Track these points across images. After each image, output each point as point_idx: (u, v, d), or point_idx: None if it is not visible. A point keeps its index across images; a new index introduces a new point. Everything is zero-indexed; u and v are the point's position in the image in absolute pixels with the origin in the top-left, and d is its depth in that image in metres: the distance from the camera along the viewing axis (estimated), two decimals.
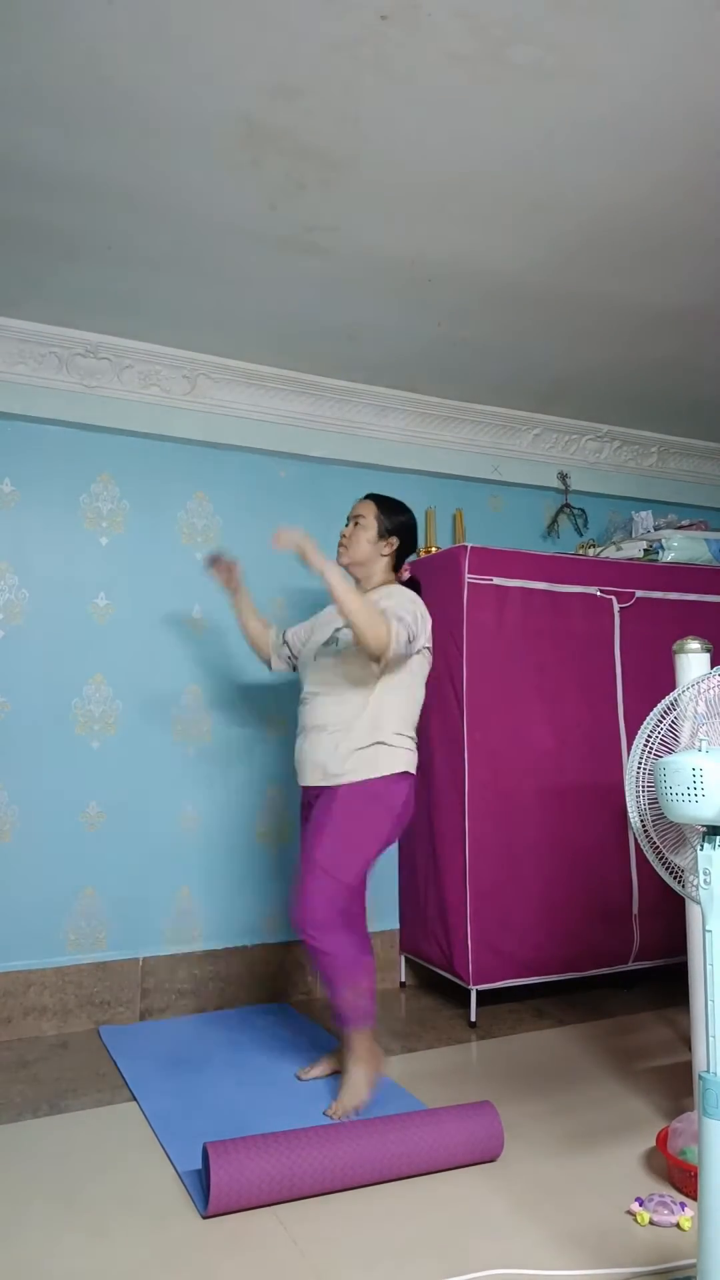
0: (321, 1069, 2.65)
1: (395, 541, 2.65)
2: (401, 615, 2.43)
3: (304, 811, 2.63)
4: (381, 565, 2.66)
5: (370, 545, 2.63)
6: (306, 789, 2.58)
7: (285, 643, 2.84)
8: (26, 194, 2.36)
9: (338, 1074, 2.62)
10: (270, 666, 2.89)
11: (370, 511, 2.66)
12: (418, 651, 2.53)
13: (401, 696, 2.52)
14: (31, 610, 3.17)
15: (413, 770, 2.53)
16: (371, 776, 2.44)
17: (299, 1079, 2.62)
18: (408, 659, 2.51)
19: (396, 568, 2.70)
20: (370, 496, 2.71)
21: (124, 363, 3.24)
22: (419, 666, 2.57)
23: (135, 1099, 2.50)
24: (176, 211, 2.45)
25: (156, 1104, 2.45)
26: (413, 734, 2.56)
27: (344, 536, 2.68)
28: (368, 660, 2.46)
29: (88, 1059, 2.81)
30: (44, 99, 2.01)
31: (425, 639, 2.55)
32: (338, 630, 2.57)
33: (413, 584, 2.72)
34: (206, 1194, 1.89)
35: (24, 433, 3.20)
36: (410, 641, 2.44)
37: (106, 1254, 1.77)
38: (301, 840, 2.63)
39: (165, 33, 1.83)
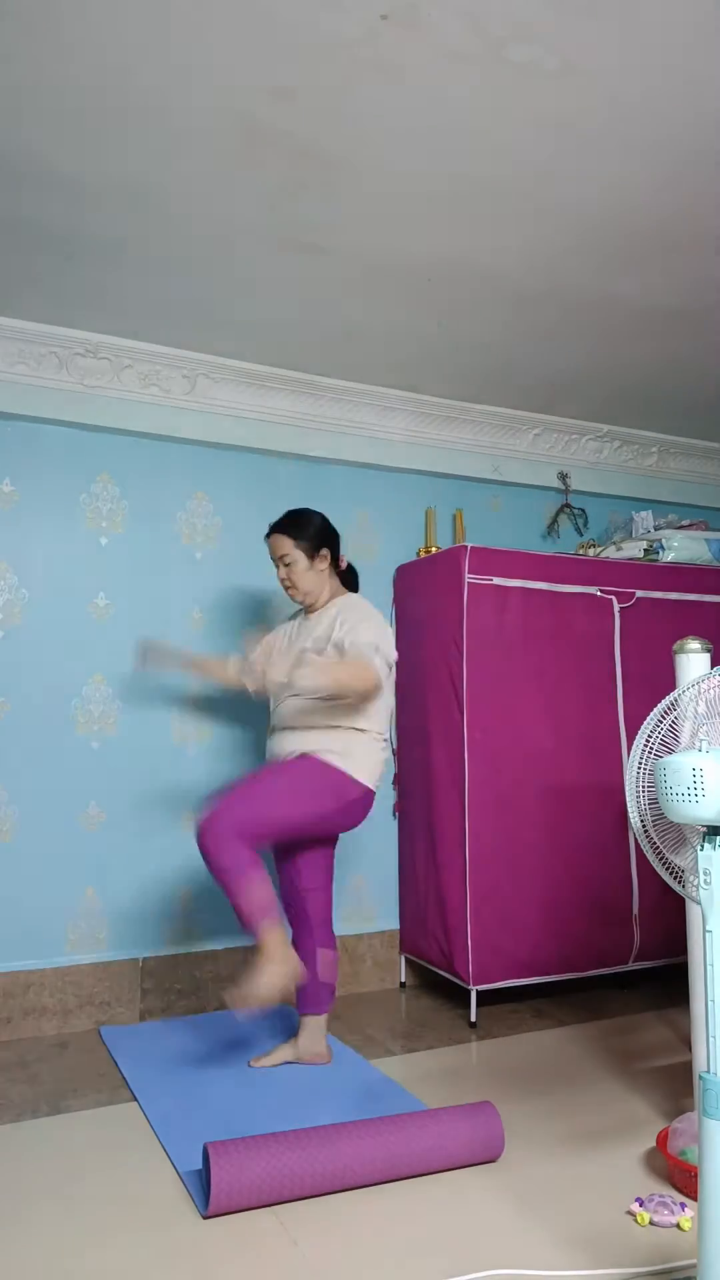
0: (274, 1058, 2.70)
1: (326, 551, 2.70)
2: (376, 643, 2.48)
3: None
4: (322, 579, 2.71)
5: (313, 575, 2.69)
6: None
7: None
8: (27, 194, 2.36)
9: (291, 1063, 2.71)
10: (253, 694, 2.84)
11: (288, 545, 2.69)
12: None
13: (371, 703, 2.56)
14: (31, 610, 3.17)
15: (374, 786, 2.58)
16: (340, 768, 2.49)
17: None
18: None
19: (337, 560, 2.76)
20: (276, 530, 2.74)
21: (124, 363, 3.24)
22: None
23: (136, 1099, 2.49)
24: (176, 211, 2.45)
25: (157, 1104, 2.45)
26: (384, 731, 2.60)
27: (283, 581, 2.72)
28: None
29: (88, 1059, 2.81)
30: (44, 99, 2.01)
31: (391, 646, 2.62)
32: (304, 652, 2.57)
33: (350, 572, 2.78)
34: (207, 1194, 1.89)
35: (24, 433, 3.20)
36: (390, 665, 2.51)
37: (107, 1254, 1.77)
38: (281, 871, 2.76)
39: (165, 33, 1.83)
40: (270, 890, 2.42)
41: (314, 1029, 2.71)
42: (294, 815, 2.48)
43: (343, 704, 2.50)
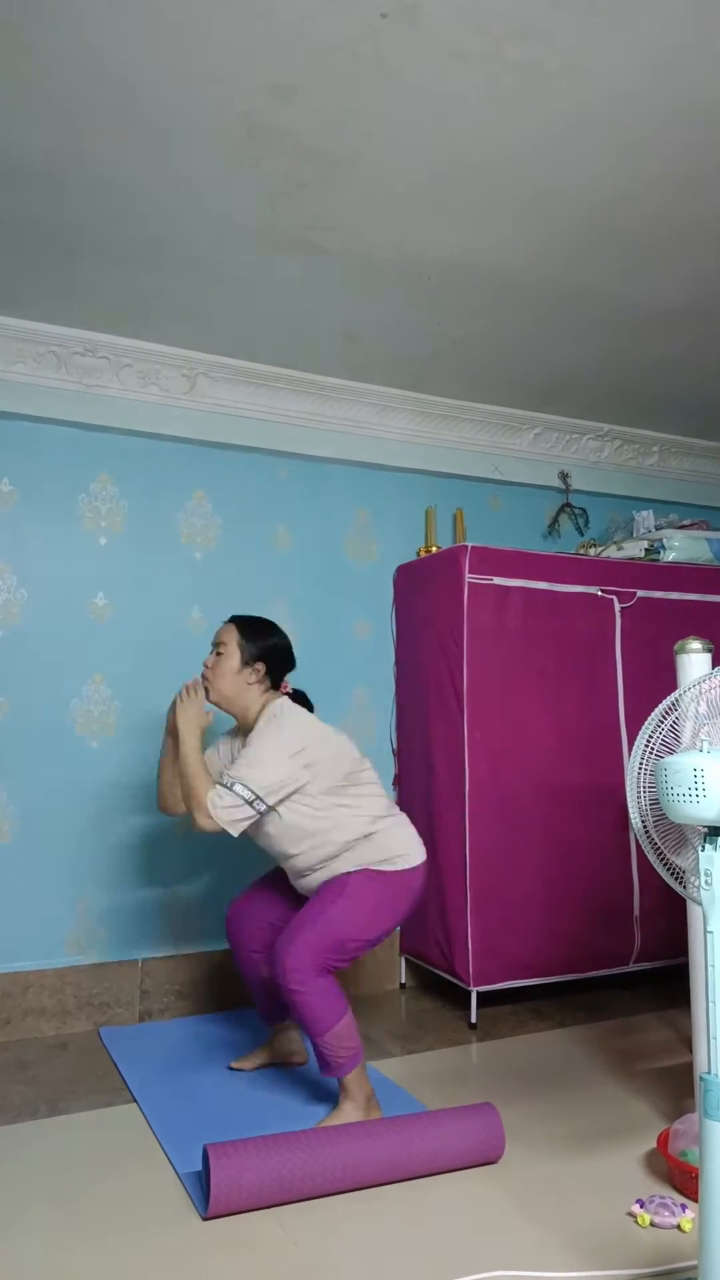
0: (252, 1061, 2.70)
1: (261, 668, 2.48)
2: (252, 782, 2.25)
3: (279, 871, 2.60)
4: (254, 694, 2.48)
5: (234, 676, 2.46)
6: None
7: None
8: (27, 194, 2.36)
9: (268, 1067, 2.70)
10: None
11: (231, 639, 2.49)
12: (299, 789, 2.33)
13: (343, 809, 2.38)
14: (31, 610, 3.16)
15: (422, 858, 2.44)
16: (385, 869, 2.36)
17: (230, 1069, 2.67)
18: (270, 809, 2.33)
19: (275, 686, 2.54)
20: (233, 620, 2.55)
21: (123, 362, 3.24)
22: (324, 775, 2.38)
23: (135, 1100, 2.49)
24: (177, 211, 2.45)
25: (156, 1105, 2.44)
26: (388, 814, 2.45)
27: (206, 668, 2.52)
28: (296, 808, 2.34)
29: (87, 1060, 2.81)
30: (44, 99, 2.01)
31: (343, 763, 2.39)
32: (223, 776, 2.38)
33: (297, 698, 2.58)
34: (207, 1196, 1.89)
35: (23, 432, 3.20)
36: (261, 813, 2.28)
37: (107, 1256, 1.77)
38: (260, 887, 2.66)
39: (165, 32, 1.82)
40: (357, 1031, 2.29)
41: (288, 1032, 2.71)
42: (370, 930, 2.32)
43: (333, 839, 2.36)
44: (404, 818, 2.50)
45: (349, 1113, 2.27)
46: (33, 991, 3.03)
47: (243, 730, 2.54)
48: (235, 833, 2.30)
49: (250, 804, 2.27)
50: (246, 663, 2.49)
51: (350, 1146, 2.00)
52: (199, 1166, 2.08)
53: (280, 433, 3.54)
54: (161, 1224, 1.88)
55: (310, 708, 2.59)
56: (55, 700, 3.17)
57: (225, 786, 2.28)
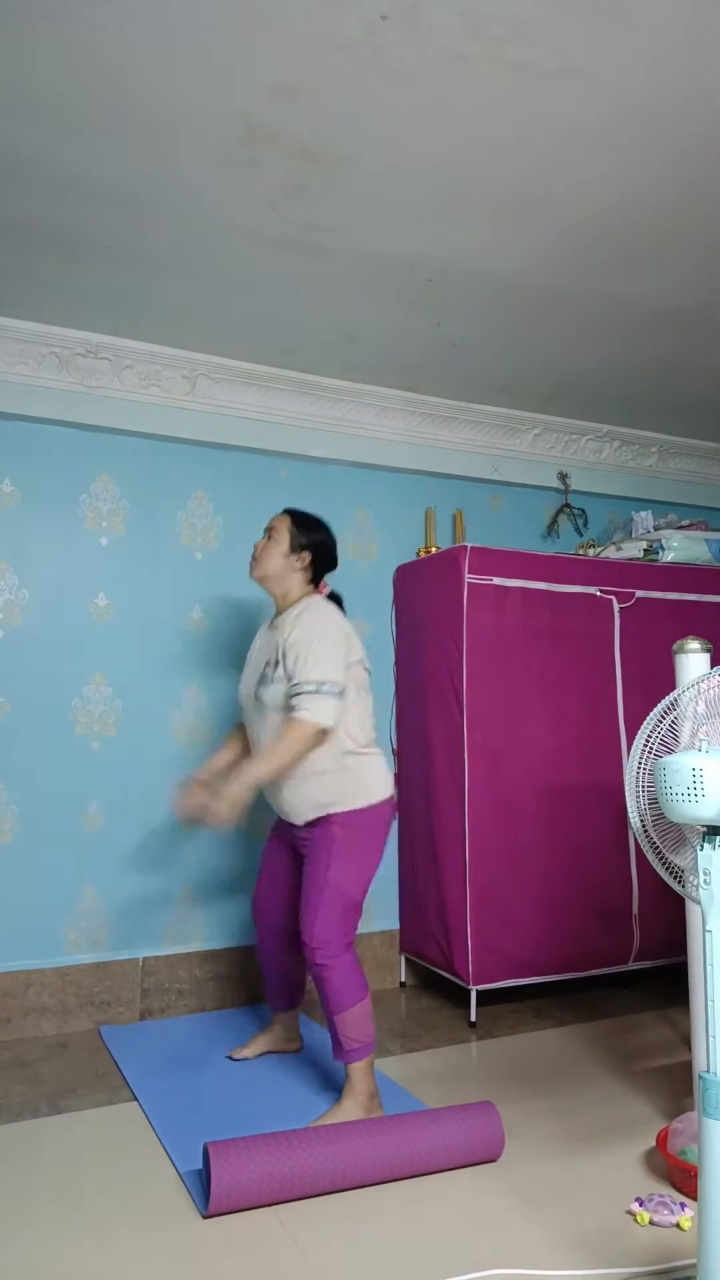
0: (252, 1049, 2.75)
1: (308, 556, 2.58)
2: (321, 678, 2.34)
3: (279, 831, 2.66)
4: (296, 580, 2.58)
5: (281, 559, 2.56)
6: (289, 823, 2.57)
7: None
8: (26, 194, 2.36)
9: (267, 1054, 2.76)
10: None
11: (284, 525, 2.60)
12: (348, 668, 2.44)
13: (353, 707, 2.46)
14: (31, 610, 3.17)
15: (391, 790, 2.52)
16: (359, 806, 2.43)
17: (230, 1059, 2.74)
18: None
19: (315, 582, 2.63)
20: (287, 511, 2.65)
21: (124, 363, 3.24)
22: (355, 679, 2.49)
23: (136, 1099, 2.50)
24: (176, 211, 2.45)
25: (157, 1104, 2.45)
26: (370, 740, 2.52)
27: (256, 549, 2.62)
28: None
29: (88, 1059, 2.81)
30: (44, 99, 2.01)
31: (353, 658, 2.48)
32: (266, 669, 2.49)
33: (333, 599, 2.65)
34: (207, 1194, 1.89)
35: (24, 433, 3.20)
36: (339, 699, 2.37)
37: (107, 1254, 1.77)
38: (266, 861, 2.70)
39: (165, 33, 1.83)
40: (373, 1023, 2.37)
41: (289, 1020, 2.79)
42: (367, 876, 2.44)
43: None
44: (380, 753, 2.55)
45: (349, 1109, 2.29)
46: (34, 990, 3.03)
47: (279, 609, 2.61)
48: (335, 723, 2.36)
49: (338, 695, 2.36)
50: (294, 550, 2.57)
51: (350, 1145, 2.00)
52: (199, 1165, 2.08)
53: (280, 433, 3.55)
54: (161, 1222, 1.89)
55: (342, 609, 2.67)
56: (56, 700, 3.17)
57: (310, 693, 2.33)
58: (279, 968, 2.71)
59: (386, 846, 2.51)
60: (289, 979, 2.73)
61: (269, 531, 2.62)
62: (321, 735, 2.35)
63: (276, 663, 2.45)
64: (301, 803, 2.46)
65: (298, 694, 2.35)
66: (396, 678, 3.70)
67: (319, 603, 2.54)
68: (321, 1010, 2.42)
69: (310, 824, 2.48)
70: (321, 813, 2.45)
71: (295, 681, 2.37)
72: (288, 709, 2.38)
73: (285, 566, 2.58)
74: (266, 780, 2.36)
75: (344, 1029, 2.33)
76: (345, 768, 2.44)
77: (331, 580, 3.63)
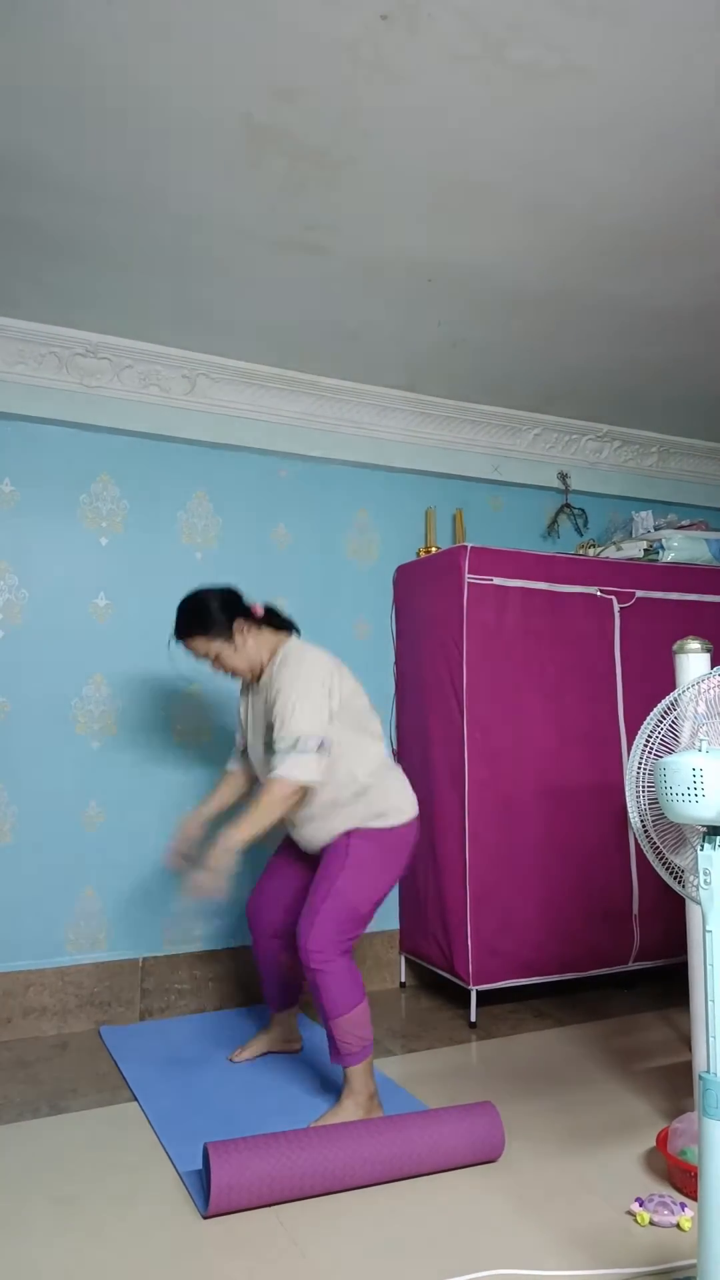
0: (252, 1050, 2.75)
1: (239, 623, 2.48)
2: (298, 733, 2.28)
3: (292, 840, 2.63)
4: (253, 646, 2.49)
5: (238, 654, 2.48)
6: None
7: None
8: (26, 194, 2.36)
9: (266, 1054, 2.77)
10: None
11: (202, 645, 2.49)
12: (333, 712, 2.39)
13: (350, 746, 2.42)
14: (31, 610, 3.17)
15: (415, 808, 2.49)
16: (382, 827, 2.41)
17: (231, 1061, 2.74)
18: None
19: (247, 615, 2.52)
20: (181, 636, 2.51)
21: (124, 363, 3.24)
22: (352, 713, 2.45)
23: (136, 1099, 2.50)
24: (176, 211, 2.45)
25: (157, 1104, 2.45)
26: (381, 766, 2.47)
27: (223, 667, 2.52)
28: None
29: (88, 1059, 2.81)
30: (44, 99, 2.01)
31: (345, 691, 2.43)
32: (269, 733, 2.42)
33: (271, 613, 2.56)
34: (207, 1194, 1.89)
35: (24, 433, 3.20)
36: (320, 747, 2.31)
37: (107, 1254, 1.77)
38: (274, 864, 2.70)
39: (165, 33, 1.83)
40: (370, 1025, 2.35)
41: (288, 1020, 2.80)
42: (377, 893, 2.40)
43: (323, 787, 2.38)
44: (400, 772, 2.54)
45: (349, 1109, 2.29)
46: (33, 990, 3.03)
47: (257, 675, 2.55)
48: (319, 779, 2.32)
49: (317, 749, 2.31)
50: (229, 639, 2.48)
51: (350, 1145, 2.00)
52: (199, 1165, 2.08)
53: (280, 433, 3.55)
54: (161, 1222, 1.89)
55: (296, 630, 2.60)
56: (56, 700, 3.17)
57: (288, 750, 2.29)
58: (274, 967, 2.71)
59: (405, 869, 2.47)
60: (285, 978, 2.73)
61: (211, 659, 2.52)
62: (301, 791, 2.31)
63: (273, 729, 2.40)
64: (324, 836, 2.45)
65: (275, 751, 2.31)
66: (396, 678, 3.70)
67: (293, 649, 2.47)
68: (318, 1014, 2.41)
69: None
70: (340, 831, 2.43)
71: (274, 737, 2.32)
72: (268, 762, 2.34)
73: (243, 653, 2.49)
74: (247, 843, 2.29)
75: (340, 1034, 2.31)
76: (362, 798, 2.41)
77: (331, 580, 3.65)
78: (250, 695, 2.62)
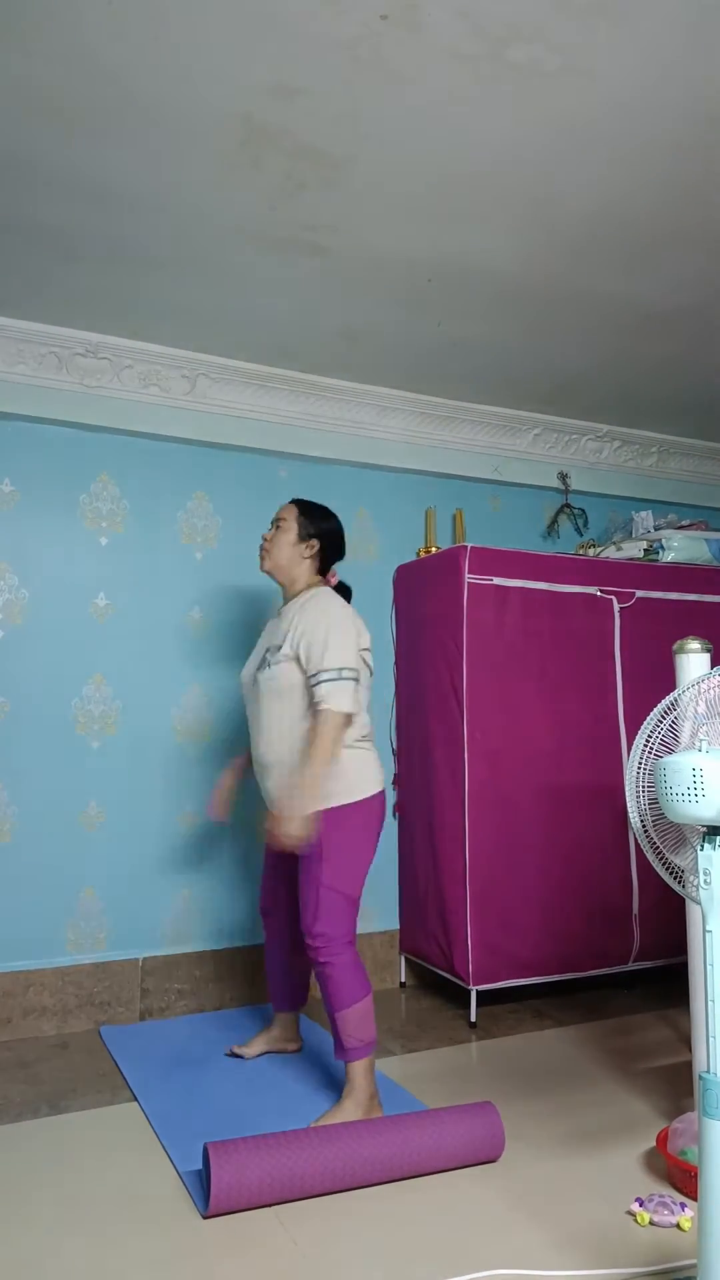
0: (252, 1048, 2.76)
1: (316, 544, 2.59)
2: (341, 665, 2.36)
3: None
4: (305, 569, 2.60)
5: (290, 548, 2.58)
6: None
7: None
8: (26, 194, 2.36)
9: (266, 1054, 2.77)
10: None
11: (292, 515, 2.61)
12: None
13: None
14: (31, 610, 3.17)
15: (381, 786, 2.51)
16: (347, 802, 2.42)
17: (230, 1053, 2.77)
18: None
19: (323, 571, 2.64)
20: (294, 501, 2.67)
21: (124, 363, 3.24)
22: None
23: (136, 1099, 2.50)
24: (176, 211, 2.45)
25: (157, 1104, 2.45)
26: (364, 735, 2.50)
27: (265, 540, 2.63)
28: (296, 693, 2.43)
29: (88, 1059, 2.81)
30: (44, 99, 2.01)
31: (362, 646, 2.48)
32: (268, 653, 2.51)
33: (342, 589, 2.67)
34: (207, 1194, 1.89)
35: (24, 433, 3.20)
36: (357, 683, 2.39)
37: (107, 1254, 1.77)
38: (266, 862, 2.72)
39: (165, 33, 1.83)
40: (374, 1023, 2.38)
41: (289, 1021, 2.81)
42: (360, 872, 2.44)
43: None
44: (371, 749, 2.54)
45: (349, 1109, 2.29)
46: (34, 990, 3.03)
47: (286, 598, 2.62)
48: (357, 711, 2.40)
49: (354, 680, 2.38)
50: (302, 538, 2.59)
51: (350, 1145, 2.00)
52: (199, 1165, 2.08)
53: (280, 433, 3.55)
54: (161, 1222, 1.89)
55: (350, 599, 2.67)
56: (56, 700, 3.17)
57: (329, 682, 2.35)
58: (282, 968, 2.73)
59: (379, 840, 2.50)
60: (293, 980, 2.74)
61: (277, 522, 2.64)
62: (348, 720, 2.37)
63: (278, 647, 2.47)
64: (279, 793, 2.45)
65: (317, 683, 2.36)
66: (396, 677, 3.70)
67: (325, 592, 2.55)
68: (324, 1009, 2.42)
69: None
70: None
71: (314, 671, 2.38)
72: (311, 699, 2.39)
73: (294, 555, 2.59)
74: (316, 783, 2.33)
75: (345, 1027, 2.33)
76: (338, 767, 2.42)
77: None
78: (272, 621, 2.69)
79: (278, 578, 2.63)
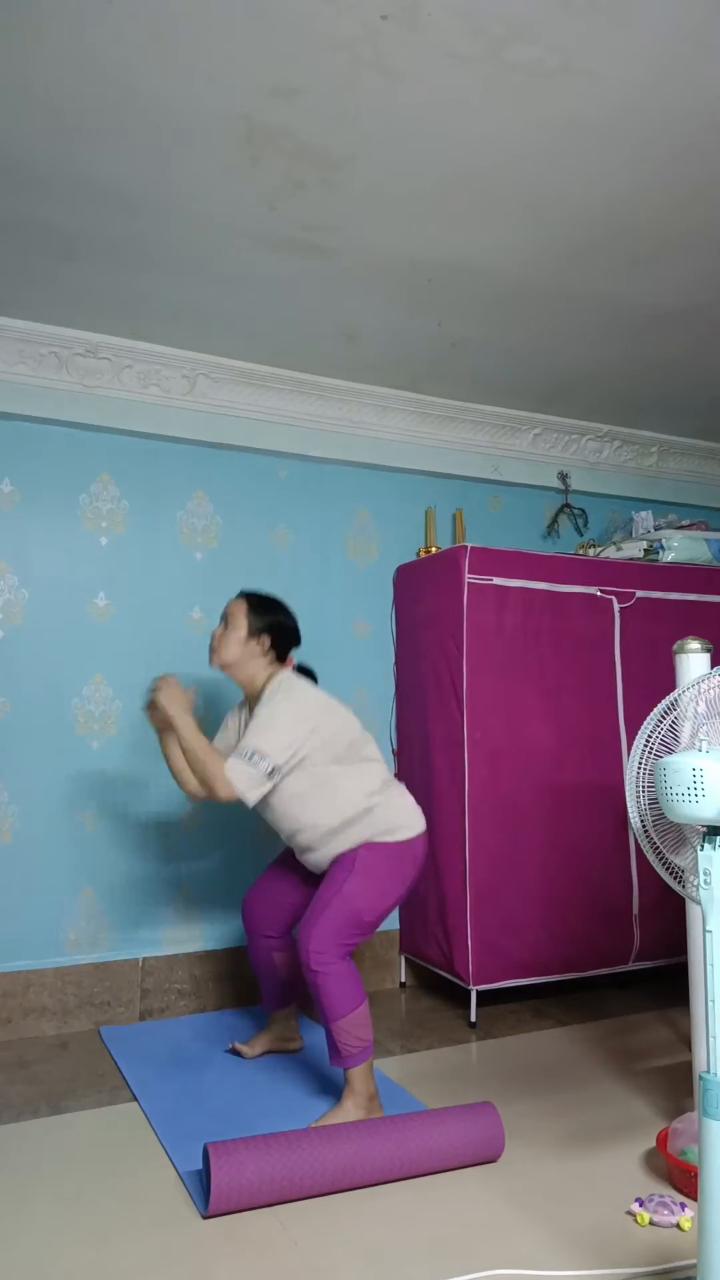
0: (253, 1048, 2.77)
1: (267, 640, 2.55)
2: (253, 747, 2.32)
3: (289, 851, 2.65)
4: (260, 664, 2.55)
5: (240, 646, 2.53)
6: None
7: None
8: (26, 194, 2.36)
9: (267, 1054, 2.77)
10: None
11: (241, 610, 2.56)
12: (305, 756, 2.40)
13: (346, 775, 2.44)
14: (31, 610, 3.17)
15: (421, 828, 2.49)
16: (389, 840, 2.42)
17: (231, 1049, 2.79)
18: (284, 776, 2.40)
19: (281, 659, 2.60)
20: (243, 595, 2.62)
21: (124, 363, 3.24)
22: (345, 744, 2.46)
23: (136, 1099, 2.50)
24: (176, 211, 2.45)
25: (157, 1104, 2.45)
26: (380, 787, 2.47)
27: (214, 637, 2.58)
28: (300, 778, 2.40)
29: (88, 1059, 2.81)
30: (44, 99, 2.01)
31: (327, 732, 2.43)
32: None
33: (303, 671, 2.64)
34: (207, 1194, 1.89)
35: (24, 433, 3.20)
36: (269, 774, 2.33)
37: (107, 1254, 1.77)
38: (273, 866, 2.71)
39: (165, 32, 1.83)
40: (370, 1027, 2.35)
41: (288, 1020, 2.81)
42: (383, 903, 2.41)
43: (342, 815, 2.42)
44: (403, 788, 2.55)
45: (350, 1110, 2.29)
46: (33, 990, 3.03)
47: (249, 700, 2.61)
48: (252, 801, 2.35)
49: (266, 773, 2.34)
50: (252, 634, 2.54)
51: (350, 1145, 2.00)
52: (199, 1165, 2.08)
53: (280, 433, 3.55)
54: (161, 1222, 1.89)
55: (315, 680, 2.66)
56: (55, 700, 3.17)
57: (241, 758, 2.33)
58: (269, 966, 2.72)
59: (413, 883, 2.48)
60: (280, 978, 2.73)
61: (226, 618, 2.58)
62: (228, 798, 2.32)
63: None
64: (332, 855, 2.46)
65: (236, 754, 2.34)
66: (396, 678, 3.70)
67: (288, 678, 2.50)
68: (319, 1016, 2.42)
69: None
70: (345, 847, 2.44)
71: (245, 744, 2.34)
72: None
73: (246, 653, 2.54)
74: (172, 738, 2.43)
75: (341, 1035, 2.31)
76: (368, 816, 2.42)
77: (331, 580, 3.65)
78: (239, 714, 2.70)
79: (232, 675, 2.58)
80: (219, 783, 2.32)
